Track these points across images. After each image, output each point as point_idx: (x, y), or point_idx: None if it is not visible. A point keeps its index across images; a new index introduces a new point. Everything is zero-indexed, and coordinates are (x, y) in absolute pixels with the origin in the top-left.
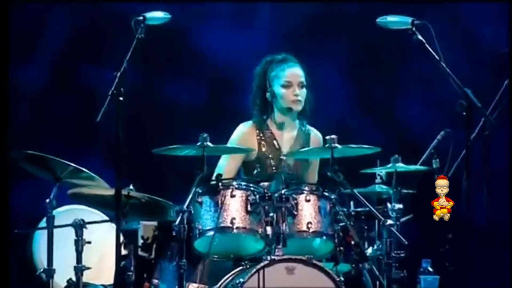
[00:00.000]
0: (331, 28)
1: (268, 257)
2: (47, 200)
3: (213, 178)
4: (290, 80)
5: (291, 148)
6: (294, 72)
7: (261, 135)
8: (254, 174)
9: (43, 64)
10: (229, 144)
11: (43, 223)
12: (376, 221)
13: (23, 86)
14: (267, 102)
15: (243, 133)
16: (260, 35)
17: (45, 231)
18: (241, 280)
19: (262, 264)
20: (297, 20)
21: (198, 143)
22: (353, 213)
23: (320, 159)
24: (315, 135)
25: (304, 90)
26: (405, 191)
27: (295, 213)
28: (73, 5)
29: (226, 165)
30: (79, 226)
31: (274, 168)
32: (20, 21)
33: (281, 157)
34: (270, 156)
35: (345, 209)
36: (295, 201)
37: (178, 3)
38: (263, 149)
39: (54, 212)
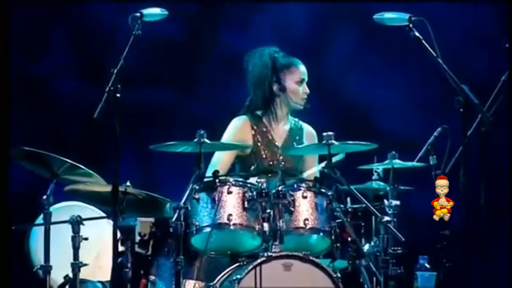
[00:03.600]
0: (330, 24)
1: (265, 254)
2: (44, 197)
3: (209, 174)
4: (303, 78)
5: (285, 142)
6: (305, 70)
7: (256, 128)
8: (251, 170)
9: (42, 63)
10: (223, 139)
11: (40, 220)
12: (373, 218)
13: (22, 84)
14: (272, 95)
15: (238, 128)
16: (258, 33)
17: (42, 228)
18: (238, 276)
19: (259, 260)
20: (294, 18)
21: (195, 140)
22: (350, 209)
23: (319, 156)
24: (309, 131)
25: None
26: (402, 187)
27: (292, 209)
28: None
29: (221, 160)
30: (76, 223)
31: (270, 162)
32: (19, 20)
33: (277, 151)
34: (265, 150)
35: (342, 206)
36: (292, 198)
37: (176, 2)
38: (258, 143)
39: (51, 208)
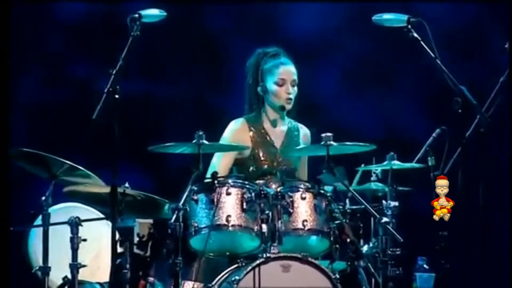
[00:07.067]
0: (330, 24)
1: (264, 255)
2: (43, 198)
3: (208, 176)
4: (284, 78)
5: (283, 143)
6: (289, 69)
7: (254, 131)
8: (249, 172)
9: (40, 63)
10: (221, 142)
11: (38, 221)
12: (372, 219)
13: (21, 85)
14: (259, 96)
15: (235, 131)
16: (257, 34)
17: (41, 229)
18: (237, 277)
19: (257, 261)
20: (293, 18)
21: (194, 141)
22: (348, 210)
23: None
24: (305, 132)
25: (295, 88)
26: (400, 188)
27: (291, 210)
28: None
29: (220, 163)
30: (74, 224)
31: (268, 163)
32: (19, 22)
33: (275, 152)
34: (264, 151)
35: (340, 207)
36: (291, 199)
37: (175, 2)
38: (257, 146)
39: (50, 209)
